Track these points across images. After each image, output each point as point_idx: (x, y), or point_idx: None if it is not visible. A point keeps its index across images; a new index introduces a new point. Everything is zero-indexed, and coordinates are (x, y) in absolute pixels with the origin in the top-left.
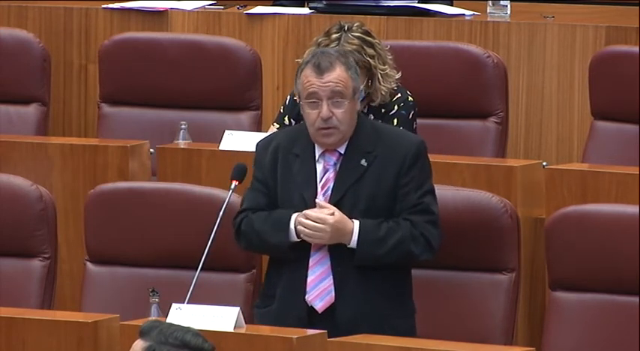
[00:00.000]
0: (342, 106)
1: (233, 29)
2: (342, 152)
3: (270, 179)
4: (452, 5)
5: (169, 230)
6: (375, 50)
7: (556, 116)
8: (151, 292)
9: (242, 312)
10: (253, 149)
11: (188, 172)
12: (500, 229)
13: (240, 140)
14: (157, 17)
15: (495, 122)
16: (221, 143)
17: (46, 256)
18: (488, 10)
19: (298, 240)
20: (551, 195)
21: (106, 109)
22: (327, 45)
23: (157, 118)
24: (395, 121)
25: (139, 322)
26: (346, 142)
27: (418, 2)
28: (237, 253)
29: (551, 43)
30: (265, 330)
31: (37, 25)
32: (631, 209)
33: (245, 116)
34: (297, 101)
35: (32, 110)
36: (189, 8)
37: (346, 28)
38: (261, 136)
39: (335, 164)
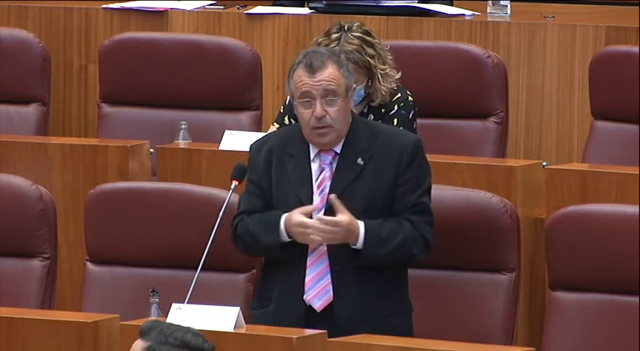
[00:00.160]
0: (335, 105)
1: (233, 29)
2: (338, 151)
3: (265, 181)
4: (452, 5)
5: (169, 230)
6: (375, 50)
7: (556, 116)
8: (151, 292)
9: (242, 312)
10: None
11: (188, 172)
12: (500, 229)
13: (240, 140)
14: (157, 17)
15: (495, 122)
16: (221, 143)
17: (46, 256)
18: (488, 10)
19: (289, 240)
20: (551, 195)
21: (106, 109)
22: (327, 45)
23: (157, 118)
24: (395, 121)
25: (139, 322)
26: (342, 141)
27: (418, 2)
28: (237, 253)
29: (551, 43)
30: (265, 330)
31: (37, 25)
32: (631, 209)
33: (245, 116)
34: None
35: (32, 110)
36: (189, 8)
37: (346, 28)
38: (261, 136)
39: (330, 163)
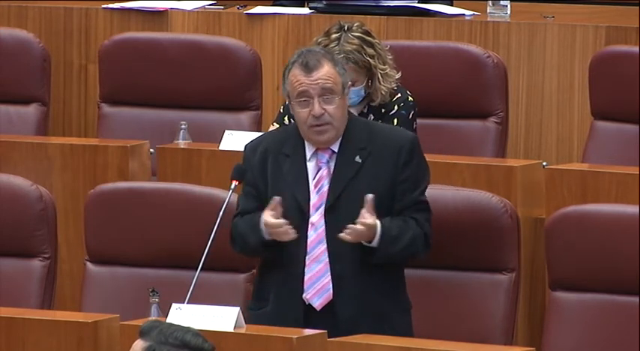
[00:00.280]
0: (333, 102)
1: (233, 29)
2: (336, 150)
3: (261, 181)
4: (452, 5)
5: (169, 230)
6: (374, 50)
7: (556, 116)
8: (151, 292)
9: (242, 312)
10: None
11: (188, 172)
12: (500, 229)
13: (240, 140)
14: (157, 17)
15: (495, 122)
16: (221, 143)
17: (46, 256)
18: (488, 10)
19: (269, 238)
20: (551, 195)
21: (106, 109)
22: (327, 45)
23: (157, 118)
24: (395, 121)
25: (139, 322)
26: (339, 140)
27: (418, 2)
28: (237, 254)
29: (551, 43)
30: (265, 330)
31: (37, 25)
32: (631, 209)
33: (245, 116)
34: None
35: (32, 110)
36: (189, 8)
37: (346, 28)
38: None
39: (328, 162)
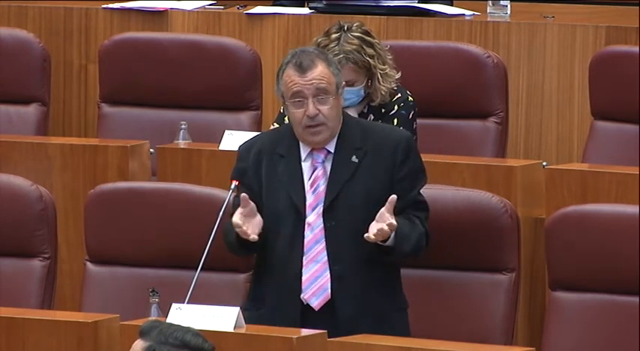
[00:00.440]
0: (327, 103)
1: (233, 29)
2: (331, 150)
3: (255, 182)
4: (452, 5)
5: (169, 230)
6: (374, 50)
7: (556, 116)
8: (151, 292)
9: (242, 312)
10: None
11: (188, 172)
12: (500, 229)
13: (240, 140)
14: (157, 17)
15: (495, 122)
16: (221, 143)
17: (46, 256)
18: (488, 10)
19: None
20: (551, 195)
21: (106, 109)
22: (327, 45)
23: (157, 118)
24: (395, 121)
25: (139, 322)
26: (335, 140)
27: (418, 2)
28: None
29: (551, 43)
30: (265, 330)
31: (37, 25)
32: (631, 209)
33: (245, 116)
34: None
35: (32, 110)
36: (189, 8)
37: (346, 28)
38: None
39: (323, 162)
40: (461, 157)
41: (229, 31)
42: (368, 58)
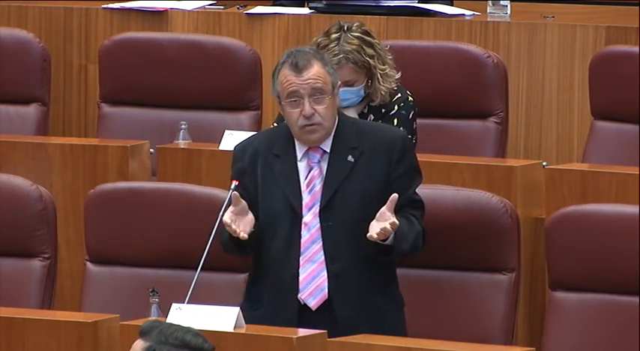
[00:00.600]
0: (323, 102)
1: (233, 29)
2: (327, 149)
3: (250, 182)
4: (452, 5)
5: (169, 230)
6: (374, 50)
7: (556, 116)
8: (151, 292)
9: (242, 312)
10: None
11: (188, 172)
12: (501, 229)
13: (240, 140)
14: (157, 17)
15: (495, 122)
16: (221, 143)
17: (46, 256)
18: (488, 10)
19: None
20: (551, 195)
21: (106, 109)
22: (327, 45)
23: (157, 118)
24: (395, 121)
25: (139, 322)
26: (330, 139)
27: (418, 2)
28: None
29: (551, 43)
30: (265, 330)
31: (37, 25)
32: (631, 209)
33: (245, 116)
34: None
35: (32, 110)
36: (189, 8)
37: (346, 28)
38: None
39: (319, 162)
40: (461, 157)
41: (229, 31)
42: (368, 58)
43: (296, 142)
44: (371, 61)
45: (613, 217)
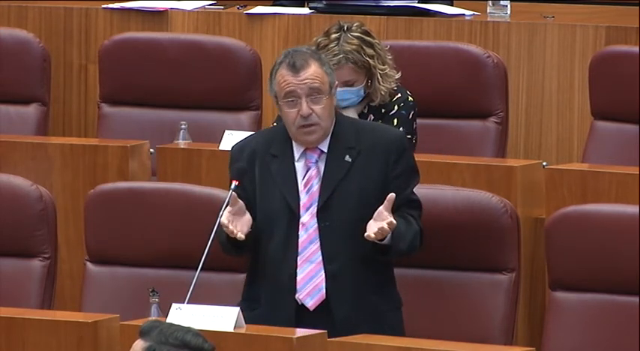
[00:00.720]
0: (320, 102)
1: (233, 29)
2: (325, 150)
3: (248, 183)
4: (452, 5)
5: (169, 230)
6: (374, 50)
7: (556, 116)
8: (151, 292)
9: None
10: None
11: (188, 172)
12: (501, 229)
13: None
14: (157, 17)
15: (495, 122)
16: (221, 143)
17: (46, 256)
18: (488, 10)
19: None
20: (551, 195)
21: (106, 109)
22: (327, 45)
23: (157, 118)
24: (395, 121)
25: (139, 322)
26: (328, 140)
27: (418, 2)
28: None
29: (551, 43)
30: (265, 330)
31: (37, 25)
32: (631, 209)
33: (245, 116)
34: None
35: (32, 110)
36: (189, 8)
37: (345, 28)
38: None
39: (317, 162)
40: (461, 157)
41: (229, 31)
42: (368, 58)
43: (293, 142)
44: (371, 61)
45: (613, 217)
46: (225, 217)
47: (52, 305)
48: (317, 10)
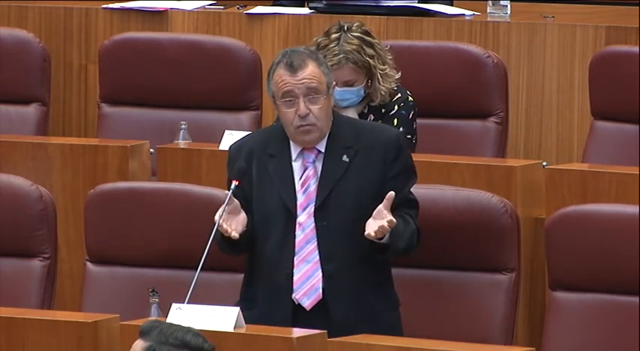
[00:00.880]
0: (318, 102)
1: (233, 29)
2: (322, 150)
3: (246, 182)
4: (452, 5)
5: (169, 230)
6: (374, 50)
7: (556, 116)
8: (151, 292)
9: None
10: None
11: (188, 172)
12: (501, 229)
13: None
14: (157, 17)
15: (495, 122)
16: (221, 143)
17: (46, 256)
18: (488, 10)
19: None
20: (551, 195)
21: (106, 109)
22: (327, 45)
23: (157, 118)
24: (395, 121)
25: (139, 322)
26: (325, 140)
27: (418, 2)
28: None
29: (551, 43)
30: (265, 330)
31: (37, 25)
32: (631, 209)
33: (245, 116)
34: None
35: (32, 110)
36: (189, 8)
37: (346, 28)
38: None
39: (314, 162)
40: (461, 157)
41: (229, 31)
42: (368, 58)
43: (291, 142)
44: (371, 61)
45: (613, 217)
46: (219, 216)
47: (52, 305)
48: (317, 10)
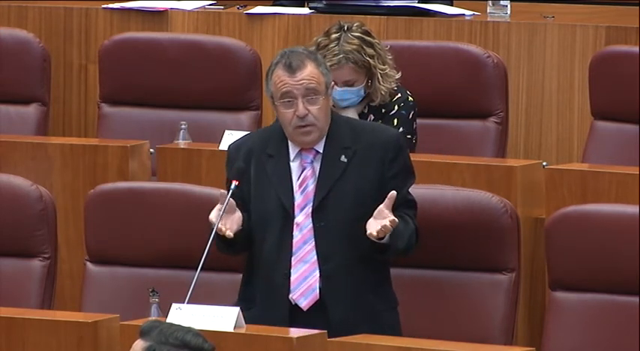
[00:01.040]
0: (317, 103)
1: (233, 29)
2: (320, 150)
3: (245, 182)
4: (452, 5)
5: (169, 230)
6: (374, 50)
7: (556, 116)
8: (151, 292)
9: (242, 312)
10: None
11: (188, 172)
12: (501, 229)
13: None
14: (157, 17)
15: (495, 122)
16: (221, 143)
17: (46, 256)
18: (488, 10)
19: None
20: (551, 195)
21: (106, 109)
22: (327, 45)
23: (156, 118)
24: (395, 121)
25: (139, 322)
26: (323, 140)
27: (418, 2)
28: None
29: (551, 43)
30: (265, 330)
31: (37, 25)
32: (631, 209)
33: (245, 116)
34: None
35: (32, 110)
36: (189, 8)
37: (346, 28)
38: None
39: (312, 162)
40: (461, 157)
41: (229, 31)
42: (368, 58)
43: (289, 142)
44: (371, 61)
45: (613, 217)
46: (214, 215)
47: (52, 305)
48: (317, 10)
